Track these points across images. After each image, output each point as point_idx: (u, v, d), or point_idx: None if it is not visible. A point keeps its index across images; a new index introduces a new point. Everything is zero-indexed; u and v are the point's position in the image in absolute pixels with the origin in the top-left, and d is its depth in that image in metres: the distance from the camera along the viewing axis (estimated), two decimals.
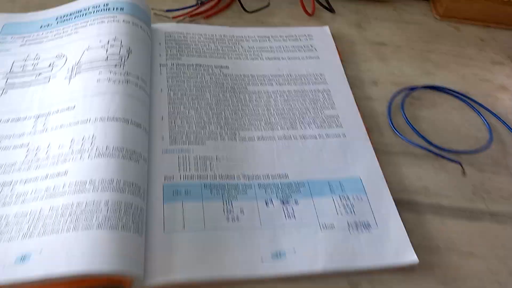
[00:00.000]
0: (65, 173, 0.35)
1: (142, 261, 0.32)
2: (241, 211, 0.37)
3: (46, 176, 0.35)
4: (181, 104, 0.43)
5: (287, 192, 0.39)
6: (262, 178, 0.39)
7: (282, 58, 0.49)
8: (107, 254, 0.30)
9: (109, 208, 0.32)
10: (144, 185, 0.36)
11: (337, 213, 0.38)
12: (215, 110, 0.43)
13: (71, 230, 0.31)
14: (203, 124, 0.42)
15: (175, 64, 0.46)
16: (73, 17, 0.46)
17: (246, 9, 0.55)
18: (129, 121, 0.37)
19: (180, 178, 0.38)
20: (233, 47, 0.50)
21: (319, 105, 0.45)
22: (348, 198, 0.39)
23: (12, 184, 0.35)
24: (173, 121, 0.42)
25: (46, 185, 0.34)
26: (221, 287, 0.33)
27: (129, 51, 0.42)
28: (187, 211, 0.36)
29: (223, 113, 0.43)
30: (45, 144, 0.37)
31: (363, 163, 0.41)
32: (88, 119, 0.37)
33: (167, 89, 0.44)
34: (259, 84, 0.46)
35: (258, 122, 0.43)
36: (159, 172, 0.38)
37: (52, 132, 0.37)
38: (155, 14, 0.52)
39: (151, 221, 0.35)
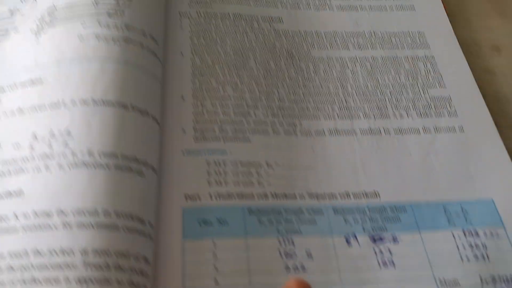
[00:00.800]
0: (19, 193, 0.21)
1: None
2: (308, 255, 0.23)
3: None
4: (212, 77, 0.29)
5: (380, 221, 0.25)
6: (339, 197, 0.25)
7: (362, 8, 0.34)
8: None
9: (89, 264, 0.19)
10: (151, 214, 0.22)
11: (462, 260, 0.24)
12: (264, 87, 0.29)
13: None
14: (246, 108, 0.28)
15: (202, 14, 0.31)
16: None
17: None
18: (129, 107, 0.23)
19: (211, 198, 0.24)
20: None
21: (420, 80, 0.30)
22: (477, 234, 0.25)
23: None
24: (199, 104, 0.27)
25: None
26: None
27: None
28: (221, 253, 0.22)
29: (276, 91, 0.29)
30: None
31: (496, 176, 0.27)
32: (61, 101, 0.23)
33: (191, 53, 0.29)
34: (328, 47, 0.31)
35: (330, 107, 0.29)
36: (176, 188, 0.24)
37: (5, 120, 0.24)
38: None
39: (162, 272, 0.22)
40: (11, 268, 0.19)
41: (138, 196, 0.21)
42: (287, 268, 0.23)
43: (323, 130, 0.28)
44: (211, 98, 0.28)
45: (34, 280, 0.19)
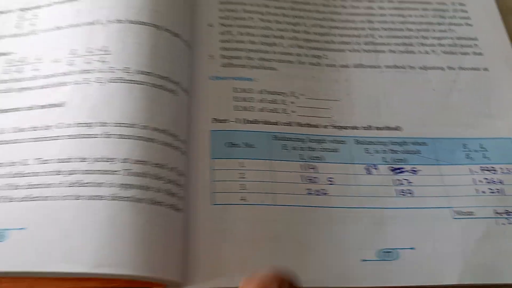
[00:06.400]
0: (61, 104, 0.24)
1: (179, 254, 0.22)
2: (328, 180, 0.26)
3: (32, 107, 0.24)
4: (240, 6, 0.31)
5: (400, 153, 0.27)
6: (361, 129, 0.28)
7: None
8: (124, 247, 0.20)
9: (129, 171, 0.22)
10: (184, 132, 0.25)
11: (477, 193, 0.27)
12: (290, 19, 0.31)
13: (69, 200, 0.21)
14: (272, 38, 0.30)
15: None
16: None
17: None
18: (161, 27, 0.26)
19: (238, 122, 0.27)
20: None
21: (447, 19, 0.32)
22: (495, 170, 0.27)
23: None
24: (227, 32, 0.30)
25: (33, 122, 0.24)
26: None
27: None
28: (248, 173, 0.25)
29: (301, 23, 0.31)
30: (33, 54, 0.26)
31: None
32: (98, 20, 0.25)
33: None
34: None
35: (355, 41, 0.31)
36: (205, 111, 0.27)
37: (44, 35, 0.26)
38: None
39: (193, 187, 0.25)
40: (58, 172, 0.22)
41: (171, 113, 0.24)
42: (308, 191, 0.26)
43: (348, 64, 0.30)
44: (238, 26, 0.30)
45: (80, 183, 0.22)
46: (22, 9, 0.28)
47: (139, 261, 0.20)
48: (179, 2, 0.28)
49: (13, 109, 0.25)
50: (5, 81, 0.25)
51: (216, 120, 0.27)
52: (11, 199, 0.22)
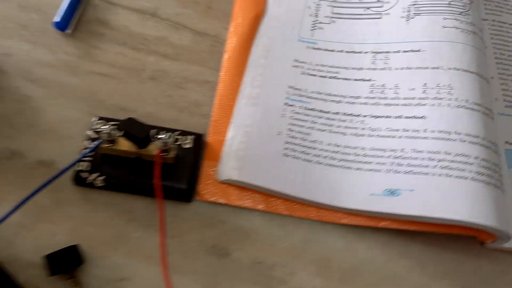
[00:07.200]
0: (423, 117, 0.37)
1: (510, 221, 0.34)
2: None
3: (400, 116, 0.37)
4: (511, 66, 0.43)
5: None
6: None
7: None
8: (485, 207, 0.32)
9: (479, 164, 0.34)
10: (498, 145, 0.37)
11: None
12: None
13: (443, 176, 0.34)
14: None
15: (496, 21, 0.46)
16: None
17: None
18: (482, 76, 0.39)
19: None
20: None
21: None
22: None
23: (361, 116, 0.38)
24: (504, 83, 0.42)
25: (402, 126, 0.37)
26: None
27: None
28: None
29: None
30: (391, 83, 0.39)
31: None
32: (440, 67, 0.39)
33: (492, 47, 0.44)
34: None
35: None
36: (501, 135, 0.39)
37: (397, 72, 0.40)
38: None
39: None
40: (430, 158, 0.35)
41: (494, 132, 0.37)
42: None
43: None
44: (510, 80, 0.43)
45: (449, 167, 0.34)
46: (374, 52, 0.42)
47: (496, 218, 0.32)
48: (484, 58, 0.41)
49: (383, 116, 0.38)
50: (372, 98, 0.39)
51: (507, 142, 0.39)
52: (397, 172, 0.35)
